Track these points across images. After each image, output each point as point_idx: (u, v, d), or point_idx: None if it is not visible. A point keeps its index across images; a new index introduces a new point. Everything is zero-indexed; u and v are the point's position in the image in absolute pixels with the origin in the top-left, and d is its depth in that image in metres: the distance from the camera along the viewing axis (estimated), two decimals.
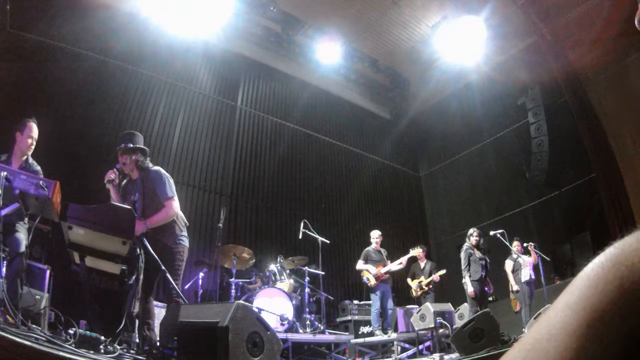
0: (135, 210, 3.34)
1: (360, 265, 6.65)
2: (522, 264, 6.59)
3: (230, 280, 5.54)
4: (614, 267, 0.30)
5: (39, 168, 3.62)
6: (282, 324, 5.05)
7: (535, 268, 6.49)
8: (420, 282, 7.12)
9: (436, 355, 4.76)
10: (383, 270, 6.48)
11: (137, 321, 3.16)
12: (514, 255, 6.69)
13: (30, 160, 3.63)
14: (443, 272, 6.94)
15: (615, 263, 0.30)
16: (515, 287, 6.71)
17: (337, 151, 9.84)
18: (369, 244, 6.86)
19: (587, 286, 0.31)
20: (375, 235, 6.84)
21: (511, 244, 6.51)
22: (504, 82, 8.88)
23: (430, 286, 7.04)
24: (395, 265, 6.64)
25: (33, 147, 3.63)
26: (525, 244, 6.68)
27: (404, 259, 6.76)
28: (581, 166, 7.65)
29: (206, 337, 2.56)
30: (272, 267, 5.84)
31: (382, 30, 9.22)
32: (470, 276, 6.14)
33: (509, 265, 6.84)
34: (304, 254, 6.70)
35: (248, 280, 5.95)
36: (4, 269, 2.94)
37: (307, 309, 5.76)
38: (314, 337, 5.37)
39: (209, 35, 8.10)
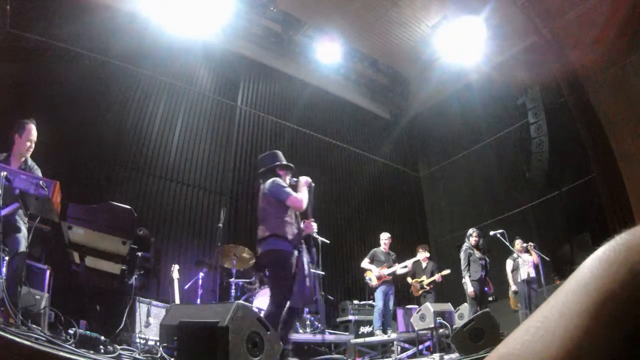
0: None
1: (364, 264, 6.68)
2: (522, 263, 6.59)
3: (230, 280, 5.54)
4: (625, 251, 0.31)
5: (38, 170, 3.59)
6: None
7: (536, 268, 6.49)
8: (421, 282, 7.12)
9: (436, 355, 4.76)
10: (386, 271, 6.49)
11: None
12: (515, 255, 6.69)
13: (30, 162, 3.59)
14: (447, 272, 6.90)
15: (627, 247, 0.31)
16: (514, 288, 6.71)
17: (337, 151, 9.82)
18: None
19: (599, 267, 0.32)
20: (385, 237, 6.88)
21: (512, 244, 6.51)
22: (504, 82, 8.86)
23: (432, 286, 7.05)
24: (400, 268, 6.66)
25: (32, 150, 3.58)
26: (525, 244, 6.68)
27: (409, 262, 6.77)
28: (581, 166, 7.64)
29: (206, 337, 2.56)
30: None
31: (382, 30, 9.21)
32: (470, 276, 6.15)
33: (509, 264, 6.84)
34: None
35: (248, 280, 5.94)
36: (4, 269, 2.94)
37: (307, 309, 5.76)
38: (314, 337, 5.37)
39: (209, 35, 8.08)
